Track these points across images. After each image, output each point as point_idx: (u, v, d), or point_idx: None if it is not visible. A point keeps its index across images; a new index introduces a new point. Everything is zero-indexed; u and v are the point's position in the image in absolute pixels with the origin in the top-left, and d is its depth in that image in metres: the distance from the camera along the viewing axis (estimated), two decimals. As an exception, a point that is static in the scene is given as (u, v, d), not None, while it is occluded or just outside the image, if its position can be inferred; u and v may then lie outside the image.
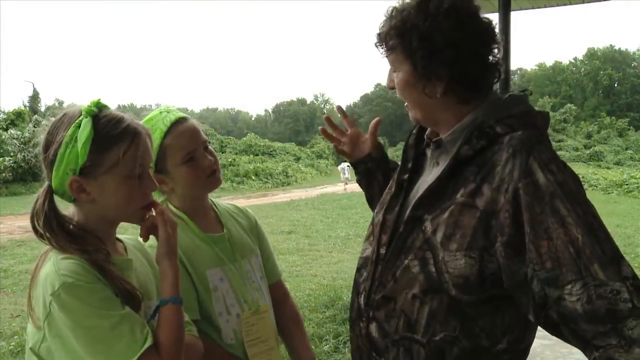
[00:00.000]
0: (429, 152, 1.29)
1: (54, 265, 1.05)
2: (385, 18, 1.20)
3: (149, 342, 1.06)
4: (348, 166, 26.11)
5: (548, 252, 0.98)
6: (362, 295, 1.24)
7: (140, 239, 1.26)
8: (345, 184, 23.02)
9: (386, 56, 1.21)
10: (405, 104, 1.25)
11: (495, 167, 1.08)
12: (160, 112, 1.48)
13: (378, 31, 1.21)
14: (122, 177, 1.12)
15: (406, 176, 1.29)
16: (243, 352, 1.48)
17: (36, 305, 1.06)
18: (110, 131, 1.11)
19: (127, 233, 1.38)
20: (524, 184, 1.02)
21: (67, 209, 1.17)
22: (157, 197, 1.52)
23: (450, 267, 1.07)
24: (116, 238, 1.26)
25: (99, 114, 1.12)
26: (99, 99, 1.15)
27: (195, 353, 1.24)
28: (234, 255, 1.54)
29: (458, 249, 1.07)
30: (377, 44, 1.22)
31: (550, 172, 1.02)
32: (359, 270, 1.31)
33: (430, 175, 1.24)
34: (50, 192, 1.13)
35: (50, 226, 1.10)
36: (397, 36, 1.15)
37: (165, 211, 1.22)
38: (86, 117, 1.10)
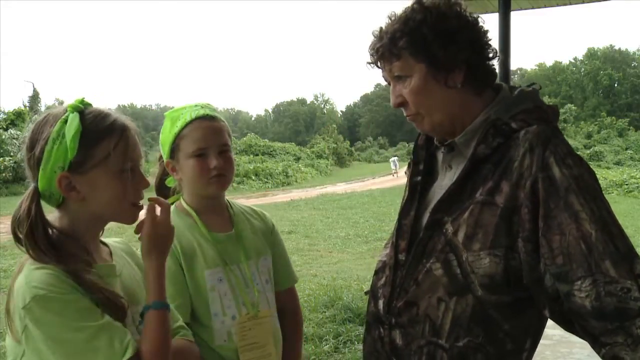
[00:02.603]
0: (439, 156, 1.28)
1: (25, 277, 1.00)
2: (375, 37, 1.19)
3: (129, 354, 1.00)
4: (398, 159, 34.46)
5: (560, 247, 0.99)
6: (381, 301, 1.23)
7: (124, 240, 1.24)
8: (393, 174, 31.03)
9: (389, 69, 1.18)
10: (409, 117, 1.21)
11: (512, 163, 1.08)
12: (195, 105, 1.49)
13: (375, 46, 1.18)
14: (113, 172, 1.09)
15: (419, 178, 1.28)
16: (235, 354, 1.45)
17: (14, 317, 1.00)
18: (98, 125, 1.08)
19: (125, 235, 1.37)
20: (541, 179, 1.02)
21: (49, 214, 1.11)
22: (172, 183, 1.56)
23: (476, 267, 1.07)
24: (101, 242, 1.22)
25: (84, 110, 1.09)
26: (83, 98, 1.12)
27: (191, 358, 1.21)
28: (238, 255, 1.52)
29: (481, 248, 1.07)
30: (377, 60, 1.20)
31: (566, 166, 1.02)
32: (376, 273, 1.30)
33: (445, 180, 1.22)
34: (36, 195, 1.07)
35: (33, 233, 1.04)
36: (407, 35, 1.13)
37: (156, 209, 1.18)
38: (72, 113, 1.07)
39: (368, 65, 1.23)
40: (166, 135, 1.49)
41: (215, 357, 1.44)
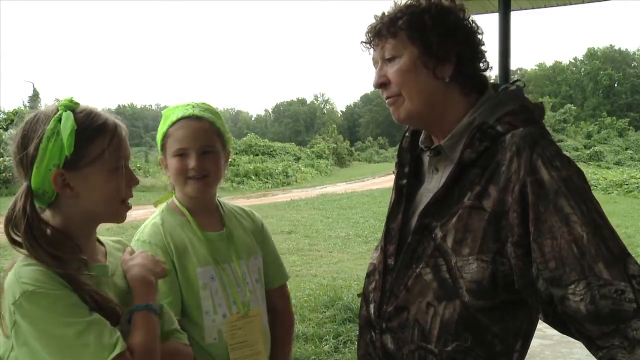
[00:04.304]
0: (425, 158, 1.27)
1: (15, 273, 1.02)
2: (375, 19, 1.19)
3: (118, 350, 1.01)
4: None
5: (552, 252, 0.98)
6: (372, 306, 1.23)
7: (125, 241, 1.27)
8: None
9: (381, 48, 1.18)
10: (390, 102, 1.19)
11: (499, 167, 1.07)
12: (187, 105, 1.52)
13: (374, 24, 1.19)
14: (108, 169, 1.11)
15: (404, 181, 1.27)
16: (225, 352, 1.47)
17: (4, 313, 1.02)
18: (91, 124, 1.10)
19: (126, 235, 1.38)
20: (530, 182, 1.01)
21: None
22: (165, 180, 1.59)
23: (464, 272, 1.06)
24: (98, 240, 1.23)
25: (75, 109, 1.11)
26: (72, 97, 1.14)
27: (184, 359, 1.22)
28: (229, 255, 1.53)
29: (470, 253, 1.06)
30: (373, 37, 1.20)
31: (554, 168, 1.02)
32: (368, 276, 1.30)
33: (432, 183, 1.22)
34: (30, 193, 1.08)
35: (32, 231, 1.05)
36: (407, 15, 1.14)
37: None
38: (65, 111, 1.09)
39: (361, 45, 1.22)
40: (159, 133, 1.53)
41: (206, 356, 1.45)
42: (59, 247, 1.06)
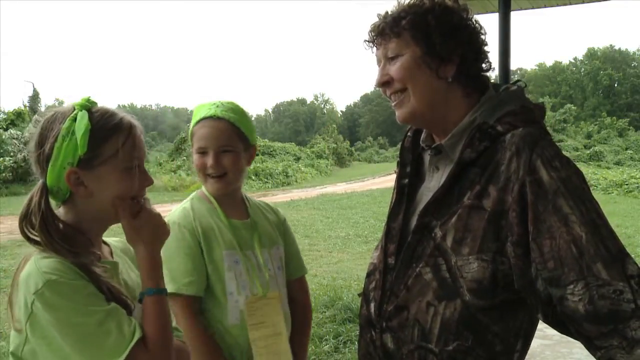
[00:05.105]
0: (426, 157, 1.28)
1: (35, 264, 1.03)
2: (379, 18, 1.20)
3: (137, 336, 1.03)
4: None
5: (550, 252, 0.98)
6: (372, 305, 1.23)
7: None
8: None
9: (384, 47, 1.18)
10: (394, 103, 1.19)
11: (499, 167, 1.07)
12: (212, 104, 1.60)
13: (377, 24, 1.19)
14: (121, 169, 1.11)
15: (406, 181, 1.27)
16: (247, 334, 1.53)
17: (17, 308, 1.03)
18: (106, 123, 1.11)
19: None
20: (529, 182, 1.01)
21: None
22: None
23: (465, 272, 1.06)
24: (103, 241, 1.24)
25: (91, 108, 1.12)
26: (89, 97, 1.15)
27: (185, 357, 1.22)
28: (253, 243, 1.61)
29: (470, 252, 1.06)
30: (376, 36, 1.20)
31: (553, 168, 1.02)
32: (368, 276, 1.30)
33: (432, 182, 1.22)
34: (45, 190, 1.10)
35: (47, 227, 1.06)
36: (411, 15, 1.15)
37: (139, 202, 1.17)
38: (81, 111, 1.10)
39: (364, 43, 1.23)
40: (190, 128, 1.64)
41: (229, 337, 1.52)
42: (72, 242, 1.08)
